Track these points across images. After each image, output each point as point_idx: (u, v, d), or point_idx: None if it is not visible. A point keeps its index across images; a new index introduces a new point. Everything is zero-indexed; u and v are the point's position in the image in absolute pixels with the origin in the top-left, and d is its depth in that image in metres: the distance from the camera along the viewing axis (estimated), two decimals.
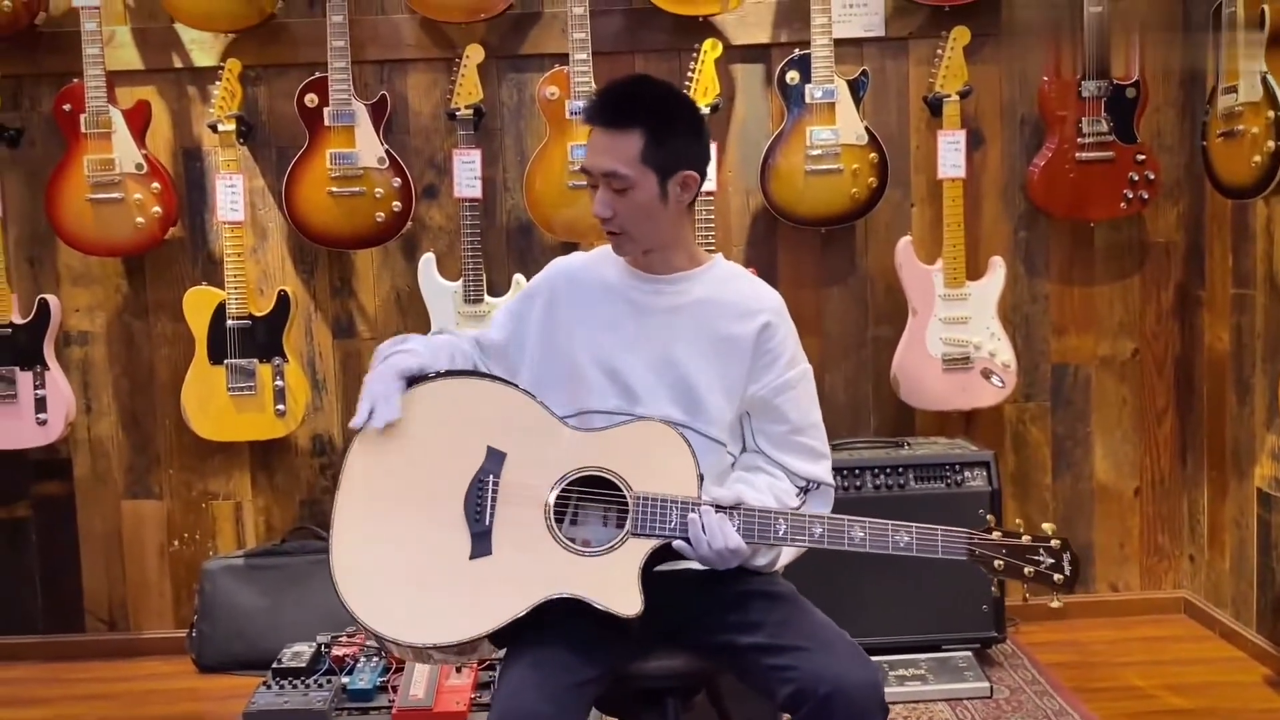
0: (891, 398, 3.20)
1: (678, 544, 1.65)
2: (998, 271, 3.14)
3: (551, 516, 1.68)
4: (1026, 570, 1.64)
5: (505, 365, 1.87)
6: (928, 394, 3.13)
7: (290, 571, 3.16)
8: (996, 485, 2.93)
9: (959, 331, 3.10)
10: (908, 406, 3.19)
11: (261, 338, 3.09)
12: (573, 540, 1.68)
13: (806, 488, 1.81)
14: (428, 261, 3.10)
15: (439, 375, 1.79)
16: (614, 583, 1.63)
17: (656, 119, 1.73)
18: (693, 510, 1.65)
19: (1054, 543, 1.65)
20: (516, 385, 1.79)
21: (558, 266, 1.92)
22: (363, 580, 1.64)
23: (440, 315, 3.08)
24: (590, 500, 1.72)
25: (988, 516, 1.73)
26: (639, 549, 1.66)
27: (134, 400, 3.27)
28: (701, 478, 1.69)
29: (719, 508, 1.66)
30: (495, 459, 1.71)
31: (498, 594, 1.62)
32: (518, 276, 3.12)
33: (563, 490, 1.70)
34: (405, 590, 1.65)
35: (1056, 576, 1.64)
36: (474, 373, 1.83)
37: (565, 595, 1.61)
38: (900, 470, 2.94)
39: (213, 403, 3.10)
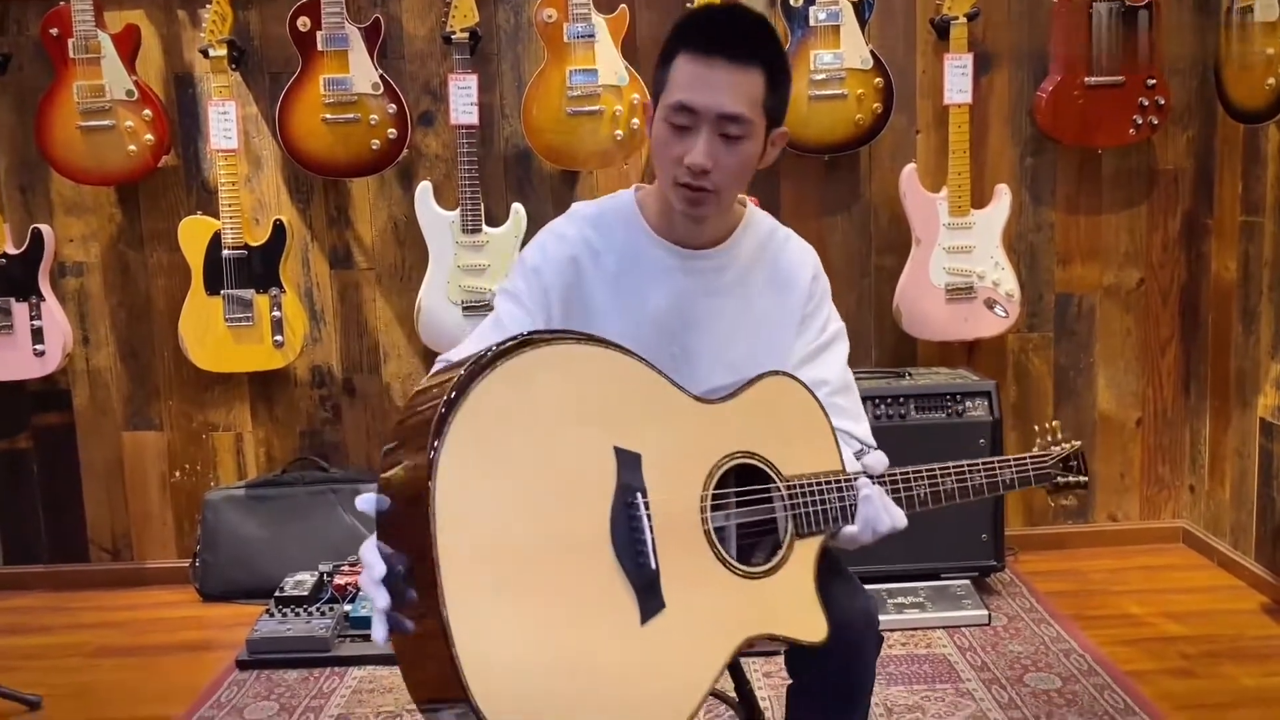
0: (893, 328, 3.18)
1: (848, 532, 1.43)
2: (1003, 199, 3.09)
3: (713, 532, 1.34)
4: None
5: None
6: (930, 324, 3.10)
7: (291, 502, 3.17)
8: (998, 415, 2.92)
9: (963, 261, 3.06)
10: (909, 337, 3.16)
11: (258, 268, 3.06)
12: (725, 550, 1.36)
13: (860, 451, 1.60)
14: (424, 190, 3.06)
15: (511, 348, 1.23)
16: (797, 605, 1.37)
17: (776, 58, 1.48)
18: (847, 489, 1.43)
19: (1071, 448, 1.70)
20: (604, 340, 1.32)
21: (575, 235, 1.57)
22: (515, 687, 1.15)
23: (438, 245, 3.05)
24: (737, 497, 1.41)
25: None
26: (807, 554, 1.40)
27: (131, 331, 3.25)
28: (835, 434, 1.49)
29: (873, 478, 1.46)
30: (630, 465, 1.27)
31: (684, 663, 1.26)
32: (516, 206, 3.08)
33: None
34: (575, 692, 1.19)
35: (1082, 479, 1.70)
36: (551, 335, 1.28)
37: (756, 637, 1.33)
38: (901, 400, 2.92)
39: (210, 334, 3.08)
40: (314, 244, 3.22)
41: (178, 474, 3.29)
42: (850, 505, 1.45)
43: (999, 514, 2.94)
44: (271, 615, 2.80)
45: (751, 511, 1.41)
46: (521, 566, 1.17)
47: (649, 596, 1.25)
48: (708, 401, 1.41)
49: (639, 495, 1.27)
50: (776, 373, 1.49)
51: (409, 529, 1.15)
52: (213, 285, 3.06)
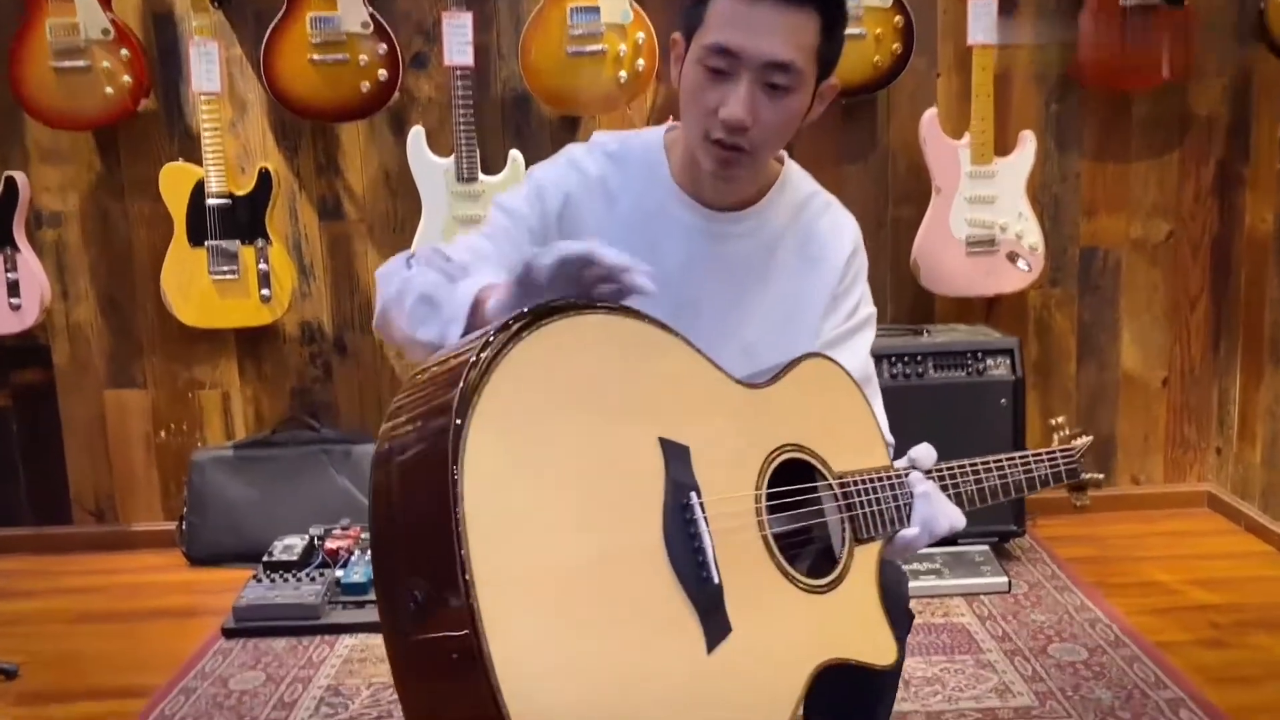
0: (910, 283, 3.03)
1: (906, 536, 1.27)
2: (1028, 147, 2.93)
3: (772, 539, 1.15)
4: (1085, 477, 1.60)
5: None
6: (949, 278, 2.96)
7: (281, 463, 3.05)
8: (1020, 374, 2.78)
9: (985, 212, 2.91)
10: (927, 292, 3.02)
11: (243, 218, 2.91)
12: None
13: None
14: (417, 136, 2.90)
15: (532, 320, 1.00)
16: (863, 622, 1.21)
17: None
18: (899, 486, 1.27)
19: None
20: (629, 309, 1.09)
21: (594, 171, 1.39)
22: None
23: (431, 195, 2.89)
24: (786, 497, 1.21)
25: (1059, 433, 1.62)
26: (868, 563, 1.23)
27: (112, 285, 3.10)
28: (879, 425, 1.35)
29: (926, 473, 1.31)
30: (679, 460, 1.07)
31: (757, 700, 1.08)
32: (514, 153, 2.92)
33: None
34: None
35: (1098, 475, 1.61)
36: (571, 303, 1.04)
37: (827, 663, 1.15)
38: (919, 359, 2.78)
39: (194, 287, 2.94)
40: (302, 193, 3.07)
41: (163, 434, 3.17)
42: (905, 505, 1.28)
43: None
44: (259, 581, 2.68)
45: (807, 514, 1.22)
46: (569, 586, 0.95)
47: (713, 618, 1.04)
48: (751, 386, 1.21)
49: (693, 495, 1.06)
50: (816, 355, 1.31)
51: (432, 549, 0.91)
52: (196, 236, 2.92)
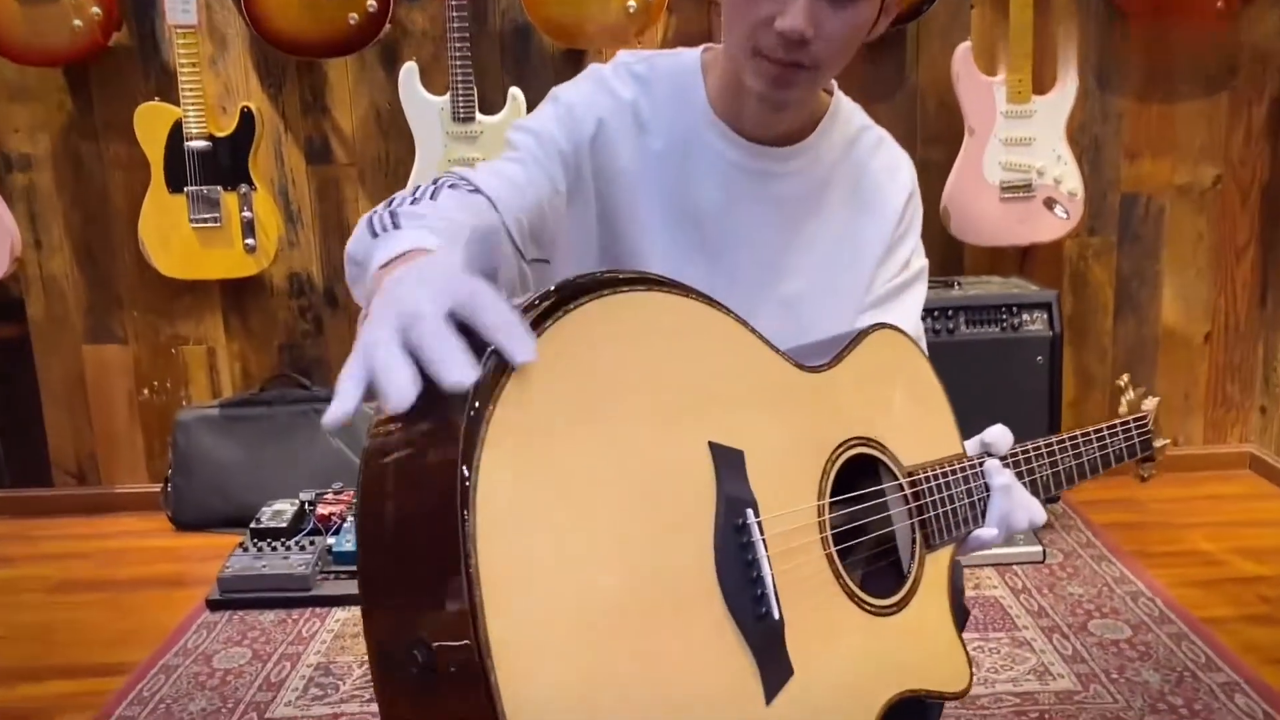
0: (939, 232, 2.82)
1: (982, 537, 1.11)
2: (1068, 85, 2.72)
3: (837, 558, 0.97)
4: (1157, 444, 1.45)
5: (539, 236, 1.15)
6: (982, 226, 2.76)
7: (270, 423, 2.88)
8: (1058, 329, 2.60)
9: (1021, 155, 2.71)
10: (957, 241, 2.82)
11: (225, 161, 2.72)
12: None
13: None
14: (409, 73, 2.69)
15: (557, 304, 0.79)
16: (935, 644, 1.06)
17: None
18: (974, 478, 1.10)
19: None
20: (668, 282, 0.88)
21: (627, 97, 1.19)
22: None
23: (425, 136, 2.69)
24: (850, 504, 1.03)
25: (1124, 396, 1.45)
26: (939, 575, 1.07)
27: (88, 233, 2.92)
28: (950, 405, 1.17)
29: (1002, 460, 1.14)
30: (732, 468, 0.89)
31: None
32: (514, 91, 2.72)
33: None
34: None
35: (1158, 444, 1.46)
36: (598, 280, 0.83)
37: (897, 697, 0.99)
38: (950, 313, 2.60)
39: (175, 236, 2.75)
40: (287, 135, 2.87)
41: (146, 391, 3.00)
42: (980, 500, 1.10)
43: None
44: (246, 550, 2.53)
45: (874, 524, 1.04)
46: (604, 629, 0.76)
47: (771, 660, 0.87)
48: (811, 369, 1.01)
49: (750, 512, 0.88)
50: (884, 326, 1.12)
51: (434, 586, 0.71)
52: (175, 181, 2.73)
